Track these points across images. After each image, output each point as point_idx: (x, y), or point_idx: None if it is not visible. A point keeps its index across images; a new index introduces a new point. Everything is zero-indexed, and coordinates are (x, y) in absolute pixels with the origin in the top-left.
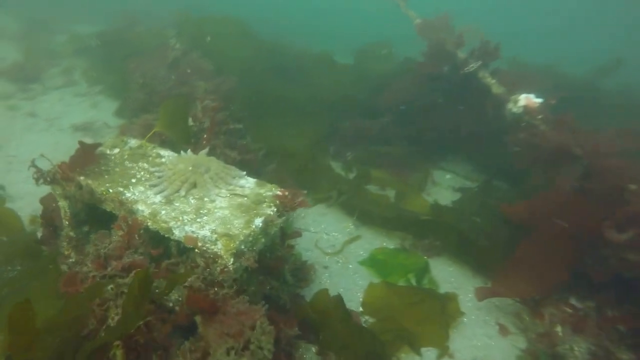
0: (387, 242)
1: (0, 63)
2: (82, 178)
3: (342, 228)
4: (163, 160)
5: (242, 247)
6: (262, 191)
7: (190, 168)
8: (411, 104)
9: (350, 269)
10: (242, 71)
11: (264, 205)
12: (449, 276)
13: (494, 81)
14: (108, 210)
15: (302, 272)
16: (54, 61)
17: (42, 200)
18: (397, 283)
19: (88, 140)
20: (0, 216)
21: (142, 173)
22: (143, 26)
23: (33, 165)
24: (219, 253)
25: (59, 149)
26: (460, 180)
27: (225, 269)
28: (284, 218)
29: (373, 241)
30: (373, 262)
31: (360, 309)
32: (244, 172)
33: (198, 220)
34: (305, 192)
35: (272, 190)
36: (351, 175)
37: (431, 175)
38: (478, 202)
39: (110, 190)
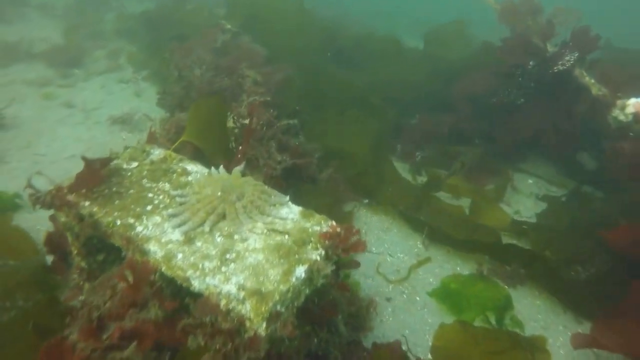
0: (460, 266)
1: (42, 44)
2: (86, 203)
3: (409, 248)
4: (189, 178)
5: (278, 307)
6: (308, 225)
7: (220, 194)
8: (489, 98)
9: (417, 302)
10: (297, 56)
11: (309, 247)
12: (535, 312)
13: (593, 81)
14: (117, 245)
15: (360, 318)
16: (100, 42)
17: (52, 218)
18: (473, 322)
19: (126, 134)
20: (7, 235)
21: (161, 197)
22: (193, 4)
23: (29, 185)
24: (246, 316)
25: (93, 146)
26: (544, 185)
27: (256, 338)
28: (333, 266)
29: (444, 264)
30: (445, 293)
31: (429, 356)
32: (287, 197)
33: (223, 269)
34: (367, 201)
35: (320, 224)
36: (420, 180)
37: (511, 180)
38: (568, 216)
39: (118, 222)
